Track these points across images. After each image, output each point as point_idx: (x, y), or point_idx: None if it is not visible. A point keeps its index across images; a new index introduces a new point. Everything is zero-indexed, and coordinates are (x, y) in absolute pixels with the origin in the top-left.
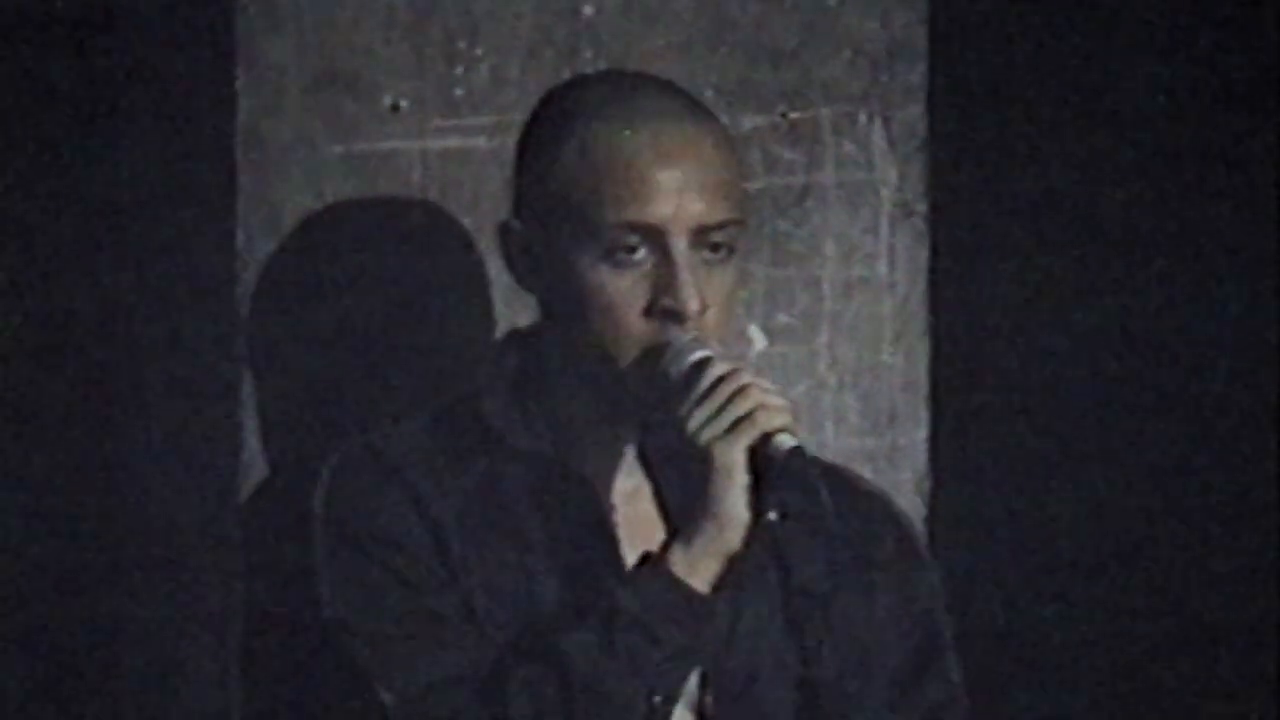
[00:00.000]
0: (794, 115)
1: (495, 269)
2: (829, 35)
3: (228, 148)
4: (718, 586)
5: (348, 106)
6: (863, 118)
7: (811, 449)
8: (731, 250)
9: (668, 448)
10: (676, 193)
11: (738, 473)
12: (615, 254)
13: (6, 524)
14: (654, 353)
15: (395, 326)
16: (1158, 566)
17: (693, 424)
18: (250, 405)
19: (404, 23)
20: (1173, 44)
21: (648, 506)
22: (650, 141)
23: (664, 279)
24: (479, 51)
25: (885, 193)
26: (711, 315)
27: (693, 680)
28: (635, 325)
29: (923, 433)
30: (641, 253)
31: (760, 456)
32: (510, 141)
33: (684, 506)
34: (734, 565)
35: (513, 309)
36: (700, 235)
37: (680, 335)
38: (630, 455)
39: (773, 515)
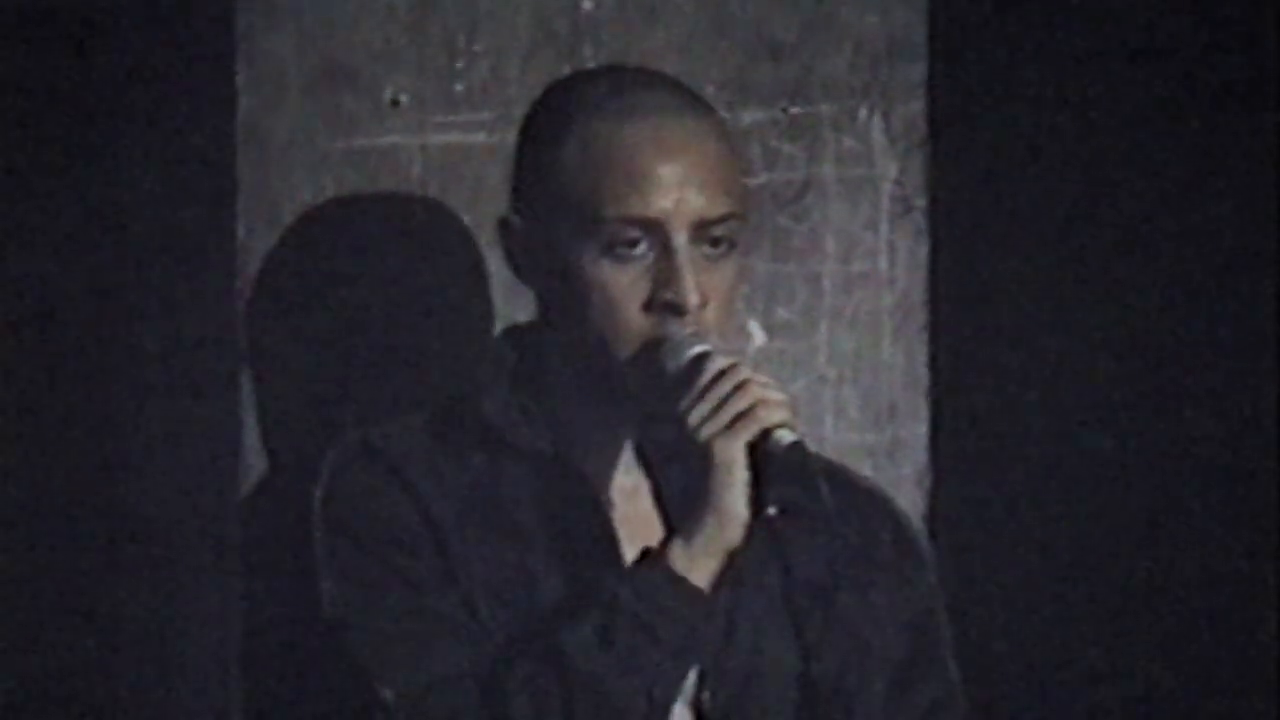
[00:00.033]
0: (794, 110)
1: (495, 264)
2: (829, 31)
3: (228, 144)
4: (717, 583)
5: (348, 102)
6: (863, 113)
7: (811, 444)
8: (732, 245)
9: (667, 444)
10: (677, 187)
11: (737, 469)
12: (615, 248)
13: (6, 524)
14: (653, 347)
15: (395, 322)
16: (1158, 565)
17: (692, 419)
18: (250, 403)
19: (404, 19)
20: (1173, 42)
21: (647, 503)
22: (650, 136)
23: (664, 273)
24: (479, 47)
25: (885, 188)
26: (712, 310)
27: (691, 677)
28: (635, 320)
29: (923, 428)
30: (642, 247)
31: (760, 452)
32: (510, 137)
33: (683, 503)
34: (734, 562)
35: (512, 304)
36: (700, 230)
37: (679, 330)
38: (629, 452)
39: (772, 510)
